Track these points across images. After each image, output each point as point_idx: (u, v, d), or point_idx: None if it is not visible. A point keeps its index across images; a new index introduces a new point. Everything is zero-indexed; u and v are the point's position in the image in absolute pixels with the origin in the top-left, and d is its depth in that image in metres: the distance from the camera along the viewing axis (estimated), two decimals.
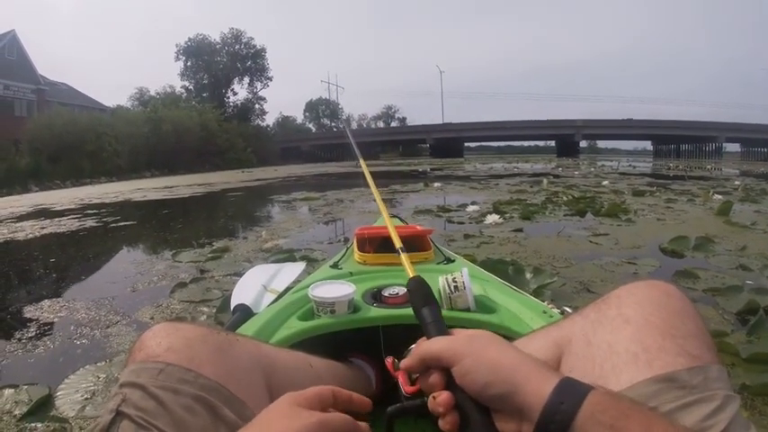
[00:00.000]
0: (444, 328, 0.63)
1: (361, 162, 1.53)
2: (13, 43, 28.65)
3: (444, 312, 0.98)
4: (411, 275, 0.76)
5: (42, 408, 1.61)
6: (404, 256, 0.85)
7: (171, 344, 0.57)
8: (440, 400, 0.53)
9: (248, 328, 0.96)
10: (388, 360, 0.69)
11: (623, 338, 0.53)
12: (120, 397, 0.52)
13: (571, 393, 0.46)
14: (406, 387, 0.62)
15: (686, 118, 53.44)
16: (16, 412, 1.58)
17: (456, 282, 0.98)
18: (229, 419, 0.54)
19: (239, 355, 0.62)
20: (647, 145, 67.12)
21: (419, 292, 0.70)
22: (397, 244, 0.92)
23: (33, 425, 1.52)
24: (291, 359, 0.73)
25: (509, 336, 0.90)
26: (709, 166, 23.41)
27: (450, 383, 0.55)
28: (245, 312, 1.40)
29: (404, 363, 0.61)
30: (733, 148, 55.76)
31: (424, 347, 0.58)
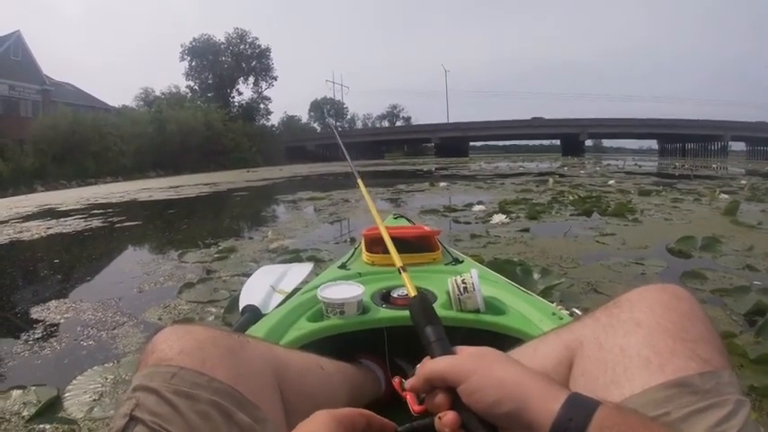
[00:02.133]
0: (448, 346, 0.61)
1: (356, 176, 1.46)
2: (18, 44, 28.74)
3: (454, 314, 0.98)
4: (412, 294, 0.75)
5: (50, 409, 1.62)
6: (405, 275, 0.84)
7: (183, 347, 0.57)
8: (445, 420, 0.53)
9: (258, 329, 0.97)
10: (395, 380, 0.69)
11: (635, 342, 0.53)
12: (134, 401, 0.51)
13: (580, 409, 0.46)
14: (414, 406, 0.61)
15: (691, 117, 53.13)
16: (24, 413, 1.59)
17: (465, 283, 0.98)
18: (243, 423, 0.54)
19: (251, 357, 0.62)
20: (653, 144, 66.79)
21: (422, 311, 0.69)
22: (398, 263, 0.91)
23: (42, 426, 1.53)
24: (302, 361, 0.73)
25: (519, 338, 0.90)
26: (714, 165, 23.32)
27: (456, 403, 0.54)
28: (254, 313, 1.40)
29: (409, 383, 0.60)
30: (738, 146, 55.63)
31: (428, 367, 0.57)
